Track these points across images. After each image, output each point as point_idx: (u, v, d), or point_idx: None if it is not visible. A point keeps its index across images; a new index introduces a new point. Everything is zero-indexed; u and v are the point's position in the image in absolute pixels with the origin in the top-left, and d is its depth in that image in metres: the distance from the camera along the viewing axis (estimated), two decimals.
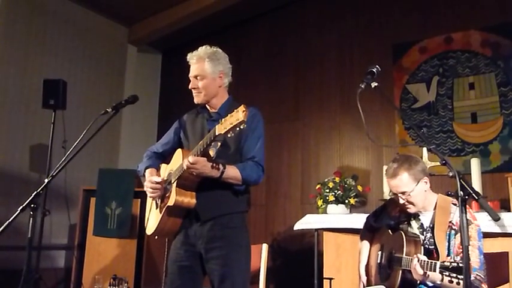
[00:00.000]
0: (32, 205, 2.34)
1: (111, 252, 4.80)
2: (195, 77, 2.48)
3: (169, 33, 6.63)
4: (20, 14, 5.58)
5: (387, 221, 2.81)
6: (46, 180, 2.47)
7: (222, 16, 6.26)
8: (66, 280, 5.36)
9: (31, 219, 2.39)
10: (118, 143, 6.60)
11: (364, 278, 2.84)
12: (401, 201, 2.58)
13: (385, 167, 4.50)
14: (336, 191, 4.63)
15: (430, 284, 2.42)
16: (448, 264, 2.11)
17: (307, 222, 4.53)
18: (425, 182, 2.57)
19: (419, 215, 2.64)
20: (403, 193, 2.54)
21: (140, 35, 6.88)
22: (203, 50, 2.52)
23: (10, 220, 2.26)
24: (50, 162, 4.87)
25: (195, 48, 2.58)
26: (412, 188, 2.52)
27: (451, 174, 1.80)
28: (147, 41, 7.02)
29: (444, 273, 2.10)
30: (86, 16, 6.34)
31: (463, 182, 1.76)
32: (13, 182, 5.26)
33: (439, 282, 2.27)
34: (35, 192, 2.36)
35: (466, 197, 1.78)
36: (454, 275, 2.07)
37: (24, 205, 2.31)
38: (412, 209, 2.59)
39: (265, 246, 3.52)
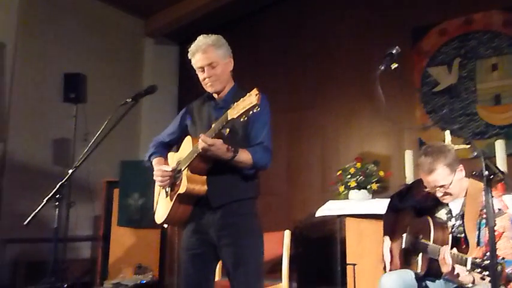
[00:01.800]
0: (57, 196, 2.37)
1: (135, 242, 4.86)
2: (210, 65, 2.42)
3: (186, 24, 6.62)
4: (39, 9, 5.64)
5: (412, 203, 2.74)
6: (70, 171, 2.50)
7: (238, 5, 6.25)
8: (92, 270, 5.45)
9: (57, 209, 2.42)
10: (138, 135, 6.67)
11: (387, 260, 2.78)
12: (439, 195, 2.47)
13: (407, 152, 4.51)
14: (357, 177, 4.60)
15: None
16: (480, 261, 2.03)
17: (329, 208, 4.51)
18: (461, 170, 2.46)
19: (447, 202, 2.55)
20: (441, 186, 2.43)
21: (156, 26, 6.90)
22: (207, 38, 2.44)
23: (37, 210, 2.30)
24: (73, 155, 4.94)
25: None
26: (451, 180, 2.41)
27: (475, 153, 1.76)
28: (163, 33, 7.05)
29: (476, 270, 2.02)
30: (103, 10, 6.38)
31: (487, 162, 1.72)
32: (37, 175, 5.34)
33: (469, 285, 2.19)
34: (60, 183, 2.39)
35: (491, 176, 1.74)
36: (487, 272, 1.97)
37: (49, 195, 2.34)
38: (448, 199, 2.50)
39: (287, 233, 3.52)
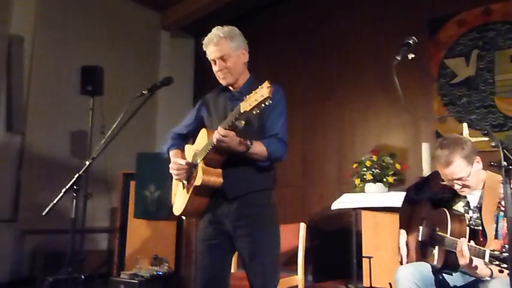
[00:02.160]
0: (75, 187, 2.40)
1: (151, 234, 4.90)
2: (221, 58, 2.41)
3: (201, 17, 6.64)
4: (56, 3, 5.70)
5: (429, 195, 2.72)
6: (87, 163, 2.53)
7: None
8: (109, 261, 5.52)
9: (74, 200, 2.45)
10: (155, 128, 6.71)
11: (404, 252, 2.76)
12: (457, 187, 2.44)
13: (423, 145, 4.48)
14: (373, 170, 4.58)
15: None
16: (499, 253, 2.00)
17: (345, 201, 4.51)
18: (478, 162, 2.43)
19: (465, 195, 2.51)
20: (459, 179, 2.40)
21: (172, 20, 6.92)
22: (219, 30, 2.44)
23: (55, 201, 2.33)
24: (90, 147, 4.99)
25: None
26: (468, 172, 2.38)
27: (493, 144, 1.73)
28: (179, 26, 7.07)
29: (494, 262, 2.00)
30: (120, 3, 6.42)
31: (506, 152, 1.70)
32: (55, 167, 5.41)
33: (487, 278, 2.16)
34: (77, 174, 2.42)
35: (510, 167, 1.71)
36: (505, 265, 1.94)
37: (67, 187, 2.37)
38: (466, 192, 2.46)
39: (302, 225, 3.52)
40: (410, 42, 2.16)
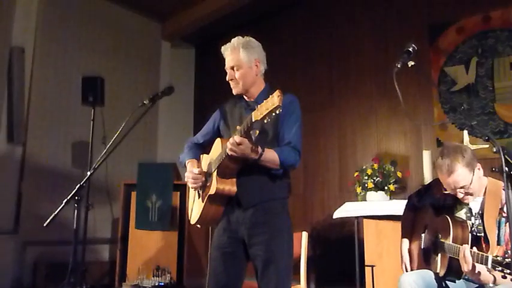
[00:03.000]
0: (76, 197, 2.40)
1: (153, 244, 4.89)
2: (232, 68, 2.48)
3: (202, 27, 6.66)
4: (57, 14, 5.72)
5: (431, 202, 2.71)
6: (89, 173, 2.53)
7: (253, 7, 6.25)
8: (111, 272, 5.50)
9: (76, 211, 2.45)
10: (156, 137, 6.71)
11: (407, 260, 2.76)
12: (460, 196, 2.44)
13: (425, 152, 4.48)
14: (375, 178, 4.58)
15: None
16: (502, 259, 2.00)
17: (347, 210, 4.50)
18: (479, 169, 2.43)
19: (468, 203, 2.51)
20: (462, 187, 2.40)
21: (173, 30, 6.95)
22: (236, 40, 2.52)
23: (56, 212, 2.34)
24: (91, 158, 4.98)
25: (227, 40, 2.57)
26: (470, 179, 2.38)
27: (494, 149, 1.74)
28: (180, 36, 7.09)
29: (497, 268, 2.00)
30: (121, 14, 6.45)
31: (507, 158, 1.70)
32: (56, 178, 5.41)
33: (490, 284, 2.16)
34: (79, 185, 2.42)
35: (511, 172, 1.71)
36: (508, 271, 1.95)
37: (68, 197, 2.38)
38: (469, 199, 2.46)
39: (305, 234, 3.52)
40: (410, 49, 2.18)
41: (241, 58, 2.46)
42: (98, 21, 6.16)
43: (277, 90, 1.94)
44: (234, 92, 2.52)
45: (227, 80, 2.51)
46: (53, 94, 5.59)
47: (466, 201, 2.48)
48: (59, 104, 5.62)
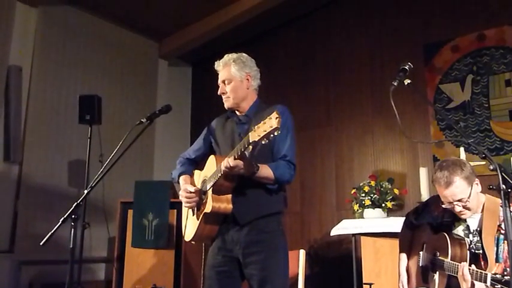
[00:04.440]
0: (73, 216, 2.39)
1: (149, 262, 4.85)
2: (223, 81, 2.53)
3: (199, 46, 6.70)
4: (54, 33, 5.75)
5: (429, 219, 2.71)
6: (85, 191, 2.52)
7: (250, 26, 6.31)
8: None
9: (72, 230, 2.43)
10: (152, 156, 6.69)
11: (404, 278, 2.75)
12: (457, 209, 2.44)
13: (421, 169, 4.49)
14: (372, 195, 4.58)
15: None
16: (501, 277, 2.00)
17: (344, 227, 4.49)
18: (477, 184, 2.44)
19: (466, 218, 2.51)
20: (459, 200, 2.40)
21: (170, 49, 6.98)
22: (228, 56, 2.58)
23: (53, 230, 2.32)
24: (87, 176, 4.97)
25: None
26: (469, 192, 2.38)
27: (491, 167, 1.74)
28: (177, 55, 7.13)
29: (496, 286, 2.00)
30: (118, 33, 6.48)
31: (504, 175, 1.70)
32: (53, 197, 5.38)
33: None
34: (75, 203, 2.41)
35: (509, 190, 1.71)
36: None
37: (65, 216, 2.36)
38: (467, 215, 2.46)
39: (302, 252, 3.50)
40: (406, 68, 2.20)
41: (233, 72, 2.50)
42: (95, 40, 6.19)
43: (274, 112, 1.96)
44: (226, 106, 2.55)
45: (218, 93, 2.55)
46: (50, 113, 5.59)
47: (463, 216, 2.48)
48: (55, 123, 5.61)
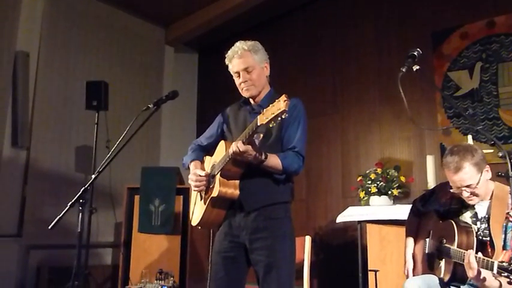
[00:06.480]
0: (81, 200, 2.40)
1: (156, 248, 4.89)
2: (245, 69, 2.47)
3: (205, 32, 6.69)
4: (61, 19, 5.75)
5: (436, 207, 2.70)
6: (93, 176, 2.54)
7: (256, 13, 6.27)
8: (114, 276, 5.50)
9: (80, 214, 2.45)
10: (159, 142, 6.72)
11: (410, 265, 2.74)
12: (465, 195, 2.44)
13: (428, 157, 4.47)
14: (378, 183, 4.57)
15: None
16: (507, 265, 1.99)
17: (350, 214, 4.49)
18: (487, 171, 2.43)
19: (473, 204, 2.51)
20: (468, 186, 2.40)
21: (176, 35, 6.97)
22: (243, 43, 2.52)
23: (61, 214, 2.34)
24: (94, 162, 5.00)
25: (230, 45, 2.57)
26: (478, 179, 2.38)
27: (500, 154, 1.73)
28: (183, 41, 7.12)
29: (502, 273, 1.98)
30: (125, 19, 6.48)
31: None
32: (60, 182, 5.42)
33: None
34: (83, 188, 2.42)
35: None
36: None
37: (73, 200, 2.38)
38: (474, 201, 2.46)
39: (308, 238, 3.51)
40: (415, 54, 2.18)
41: (255, 59, 2.48)
42: (102, 26, 6.19)
43: (283, 95, 1.95)
44: (247, 94, 2.51)
45: (241, 82, 2.49)
46: (57, 98, 5.61)
47: (471, 202, 2.47)
48: (63, 109, 5.63)
